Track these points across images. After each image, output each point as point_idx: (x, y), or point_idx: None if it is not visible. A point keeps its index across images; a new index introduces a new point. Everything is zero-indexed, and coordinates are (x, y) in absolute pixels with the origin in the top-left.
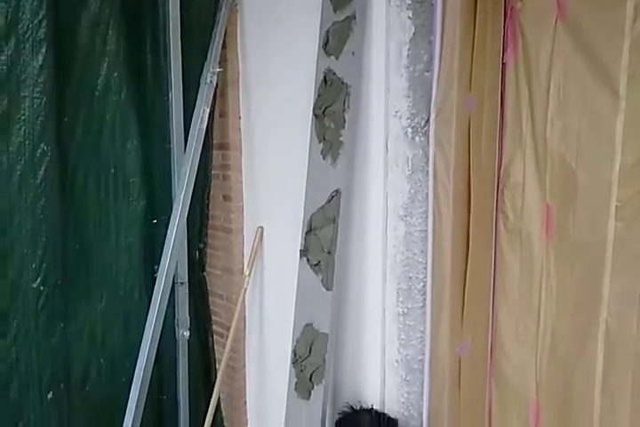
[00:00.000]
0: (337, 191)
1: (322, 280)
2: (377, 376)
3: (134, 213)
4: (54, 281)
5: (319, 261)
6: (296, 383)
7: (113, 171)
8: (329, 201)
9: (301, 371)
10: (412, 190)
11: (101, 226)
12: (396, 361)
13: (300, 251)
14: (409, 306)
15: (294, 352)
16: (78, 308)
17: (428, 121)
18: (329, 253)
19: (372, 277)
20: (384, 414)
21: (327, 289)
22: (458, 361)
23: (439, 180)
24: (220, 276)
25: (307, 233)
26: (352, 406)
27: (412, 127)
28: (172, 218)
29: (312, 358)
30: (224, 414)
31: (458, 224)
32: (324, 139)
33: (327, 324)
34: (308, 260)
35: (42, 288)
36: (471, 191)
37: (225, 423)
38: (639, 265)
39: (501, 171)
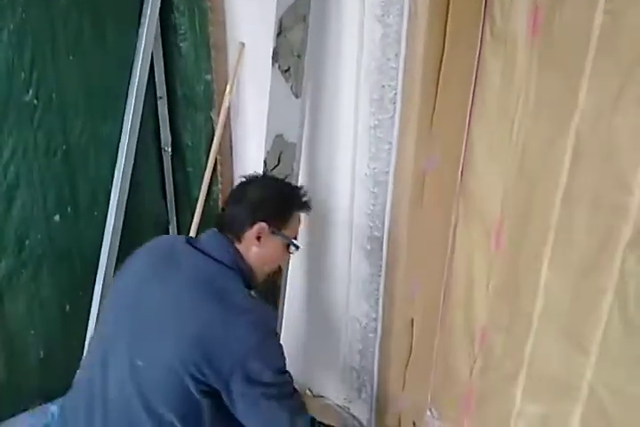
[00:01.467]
0: None
1: (291, 87)
2: (347, 189)
3: None
4: (49, 95)
5: (289, 67)
6: None
7: None
8: None
9: None
10: None
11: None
12: (365, 174)
13: (272, 57)
14: (380, 117)
15: (265, 162)
16: (81, 125)
17: None
18: (298, 56)
19: (346, 86)
20: None
21: (296, 97)
22: (422, 175)
23: None
24: None
25: (277, 36)
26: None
27: None
28: None
29: (280, 168)
30: None
31: (435, 24)
32: None
33: (295, 133)
34: (279, 66)
35: (35, 102)
36: None
37: None
38: (617, 68)
39: None
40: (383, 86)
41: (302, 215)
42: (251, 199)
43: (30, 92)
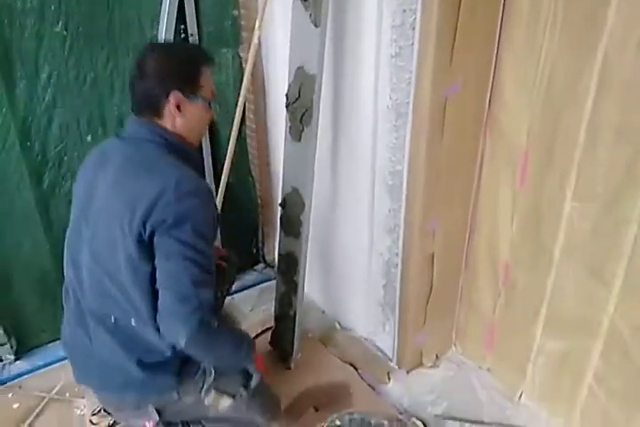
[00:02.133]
0: None
1: (310, 16)
2: (369, 123)
3: None
4: (76, 27)
5: None
6: (290, 127)
7: None
8: None
9: (293, 113)
10: None
11: None
12: (387, 107)
13: None
14: (401, 44)
15: (286, 96)
16: (105, 58)
17: None
18: None
19: (368, 11)
20: None
21: (315, 26)
22: (442, 103)
23: None
24: None
25: None
26: None
27: None
28: None
29: (301, 101)
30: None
31: None
32: None
33: (315, 65)
34: None
35: (65, 33)
36: None
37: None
38: None
39: None
40: (404, 11)
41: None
42: (153, 72)
43: (60, 23)
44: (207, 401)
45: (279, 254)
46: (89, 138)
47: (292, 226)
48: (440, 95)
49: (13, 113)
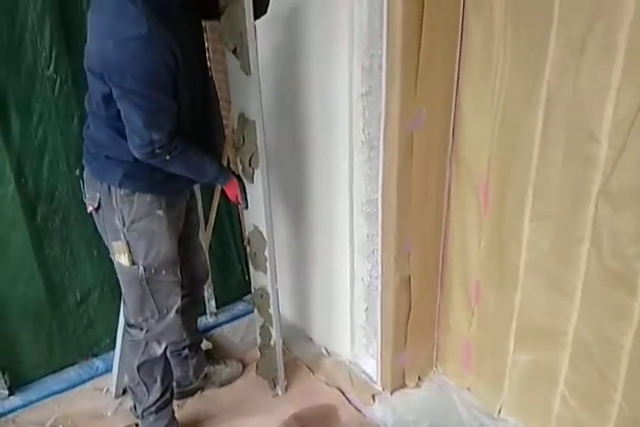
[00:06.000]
0: None
1: (240, 65)
2: (345, 155)
3: None
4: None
5: (235, 46)
6: (242, 170)
7: None
8: None
9: (242, 158)
10: None
11: None
12: (361, 141)
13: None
14: (370, 84)
15: (233, 140)
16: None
17: None
18: (241, 34)
19: (339, 57)
20: None
21: (246, 74)
22: (410, 137)
23: None
24: None
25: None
26: None
27: None
28: None
29: (246, 146)
30: None
31: None
32: None
33: (254, 111)
34: (226, 45)
35: (55, 76)
36: None
37: None
38: (589, 11)
39: None
40: (372, 55)
41: None
42: None
43: (51, 68)
44: (115, 245)
45: (253, 288)
46: (77, 172)
47: (259, 262)
48: (407, 129)
49: (9, 151)
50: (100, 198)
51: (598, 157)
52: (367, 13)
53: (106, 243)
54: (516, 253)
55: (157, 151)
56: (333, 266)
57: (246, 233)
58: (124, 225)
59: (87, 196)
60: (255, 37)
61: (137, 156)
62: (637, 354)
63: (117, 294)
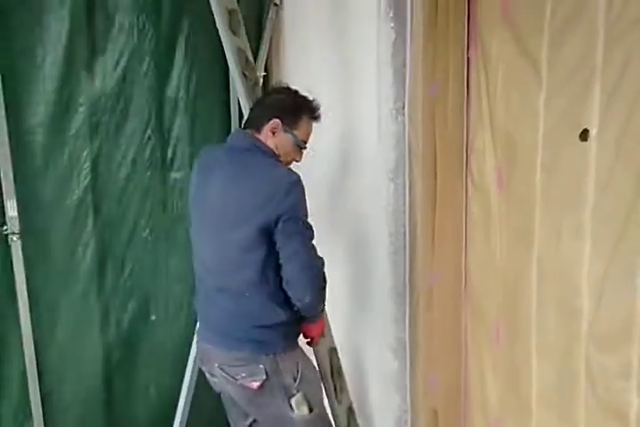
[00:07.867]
0: None
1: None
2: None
3: None
4: (158, 233)
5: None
6: None
7: None
8: None
9: None
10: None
11: None
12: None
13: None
14: (396, 245)
15: None
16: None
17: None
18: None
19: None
20: None
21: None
22: (430, 289)
23: (412, 150)
24: None
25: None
26: None
27: (396, 109)
28: None
29: None
30: None
31: (429, 182)
32: None
33: None
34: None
35: (149, 238)
36: (438, 156)
37: None
38: (561, 205)
39: (469, 140)
40: (397, 224)
41: (313, 125)
42: (269, 101)
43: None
44: (294, 401)
45: None
46: (153, 317)
47: None
48: (427, 283)
49: (99, 301)
50: (265, 369)
51: (582, 309)
52: (393, 194)
53: (253, 414)
54: (527, 384)
55: (325, 280)
56: (362, 399)
57: None
58: (294, 380)
59: (239, 377)
60: None
61: (307, 297)
62: None
63: None
